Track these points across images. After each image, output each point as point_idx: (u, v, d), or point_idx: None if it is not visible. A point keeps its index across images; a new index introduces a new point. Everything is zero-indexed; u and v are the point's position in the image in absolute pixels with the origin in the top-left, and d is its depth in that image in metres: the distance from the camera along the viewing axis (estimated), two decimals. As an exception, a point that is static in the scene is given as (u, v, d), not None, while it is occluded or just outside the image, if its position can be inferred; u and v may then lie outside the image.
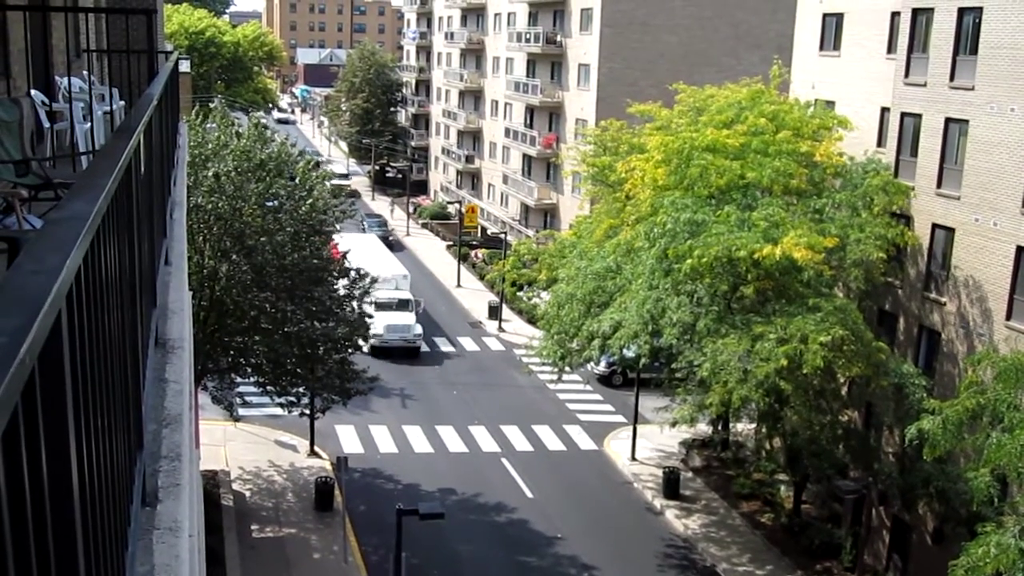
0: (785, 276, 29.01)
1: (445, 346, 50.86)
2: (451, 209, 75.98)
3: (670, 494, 35.88)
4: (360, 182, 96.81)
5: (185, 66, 56.49)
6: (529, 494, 35.46)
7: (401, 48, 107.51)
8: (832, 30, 37.25)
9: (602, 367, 44.76)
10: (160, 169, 6.93)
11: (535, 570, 30.71)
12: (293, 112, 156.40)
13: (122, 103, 10.10)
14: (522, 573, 30.50)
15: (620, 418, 42.45)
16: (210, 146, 31.48)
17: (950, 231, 30.00)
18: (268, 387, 32.82)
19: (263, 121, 34.62)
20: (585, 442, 40.38)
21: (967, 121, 29.21)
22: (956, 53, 29.67)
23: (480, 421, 41.54)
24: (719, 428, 39.34)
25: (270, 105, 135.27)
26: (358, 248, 49.47)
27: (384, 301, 48.51)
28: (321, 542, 31.08)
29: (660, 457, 39.19)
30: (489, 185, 75.98)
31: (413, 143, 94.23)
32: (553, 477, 36.84)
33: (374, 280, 36.11)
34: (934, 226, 30.63)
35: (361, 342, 33.90)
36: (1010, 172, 27.57)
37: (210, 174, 30.37)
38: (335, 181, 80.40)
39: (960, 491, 25.55)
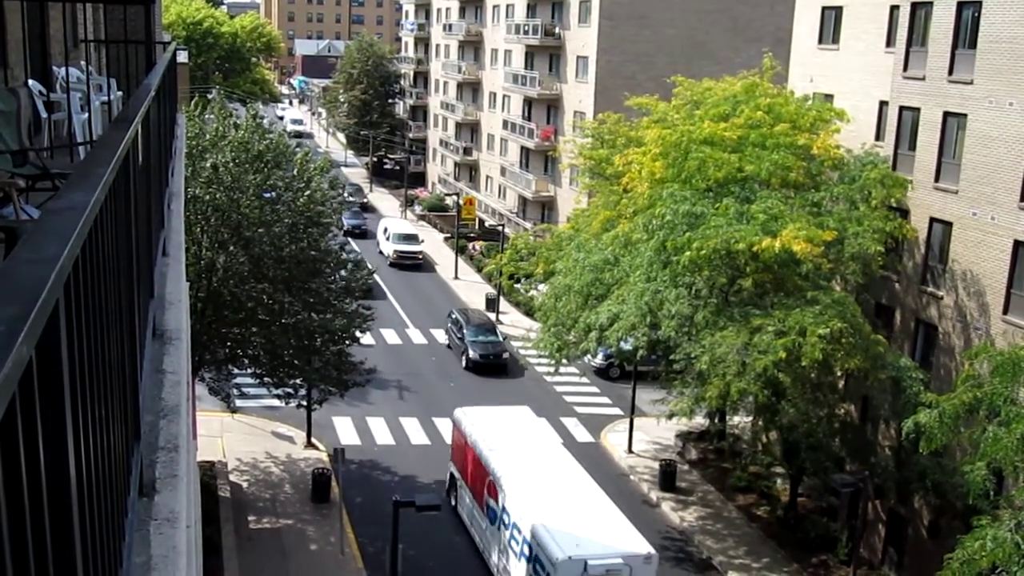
0: (783, 269, 29.03)
1: (442, 338, 50.84)
2: (449, 201, 75.94)
3: (666, 486, 35.93)
4: (358, 173, 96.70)
5: (183, 57, 56.38)
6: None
7: (399, 40, 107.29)
8: (831, 23, 37.22)
9: (599, 359, 44.78)
10: (158, 160, 6.92)
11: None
12: (291, 103, 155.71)
13: (120, 93, 10.08)
14: (519, 565, 30.47)
15: (617, 410, 42.48)
16: (208, 137, 31.43)
17: (948, 225, 30.01)
18: (265, 378, 32.81)
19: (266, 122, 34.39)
20: (582, 434, 40.39)
21: (965, 115, 29.20)
22: (955, 47, 29.65)
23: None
24: (716, 421, 39.37)
25: (280, 110, 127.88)
26: (521, 468, 28.02)
27: None
28: (318, 533, 31.11)
29: (656, 450, 39.25)
30: (487, 177, 75.93)
31: (411, 135, 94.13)
32: (550, 469, 36.82)
33: (371, 272, 35.88)
34: (932, 220, 30.65)
35: (358, 333, 33.87)
36: (1008, 166, 27.57)
37: (208, 165, 30.32)
38: (408, 247, 64.75)
39: (956, 485, 25.60)
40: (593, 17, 57.49)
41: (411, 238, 65.73)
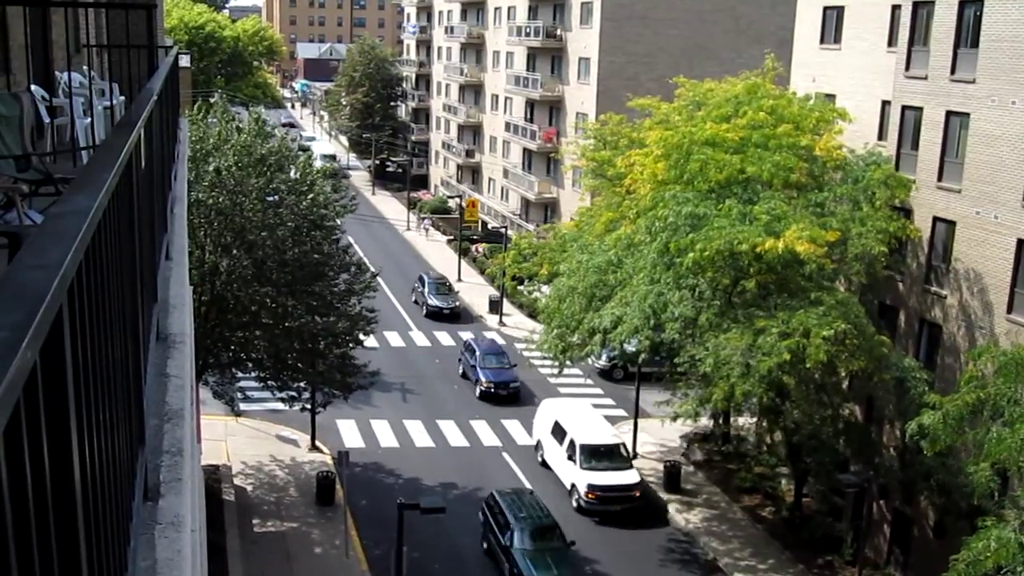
0: (787, 270, 29.01)
1: (446, 340, 50.86)
2: (451, 204, 75.92)
3: (671, 488, 35.89)
4: (361, 177, 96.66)
5: (185, 61, 56.37)
6: (530, 488, 35.46)
7: (401, 42, 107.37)
8: (833, 23, 37.20)
9: (603, 361, 44.74)
10: (161, 164, 6.92)
11: (536, 564, 30.63)
12: (295, 106, 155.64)
13: (122, 98, 10.09)
14: (523, 567, 30.43)
15: (621, 412, 42.45)
16: (211, 141, 31.48)
17: (951, 224, 29.98)
18: (269, 382, 32.84)
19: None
20: (586, 436, 40.28)
21: (968, 114, 29.17)
22: (957, 46, 29.63)
23: (481, 415, 41.53)
24: (720, 422, 39.35)
25: (304, 139, 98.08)
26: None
27: None
28: (322, 536, 31.11)
29: (661, 451, 39.21)
30: (489, 179, 75.94)
31: (413, 137, 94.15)
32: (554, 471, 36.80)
33: (375, 274, 35.91)
34: (935, 219, 30.61)
35: (362, 336, 33.87)
36: (1011, 165, 27.54)
37: (211, 169, 30.36)
38: (617, 476, 34.08)
39: (961, 485, 25.56)
40: (595, 18, 57.49)
41: (616, 456, 35.06)
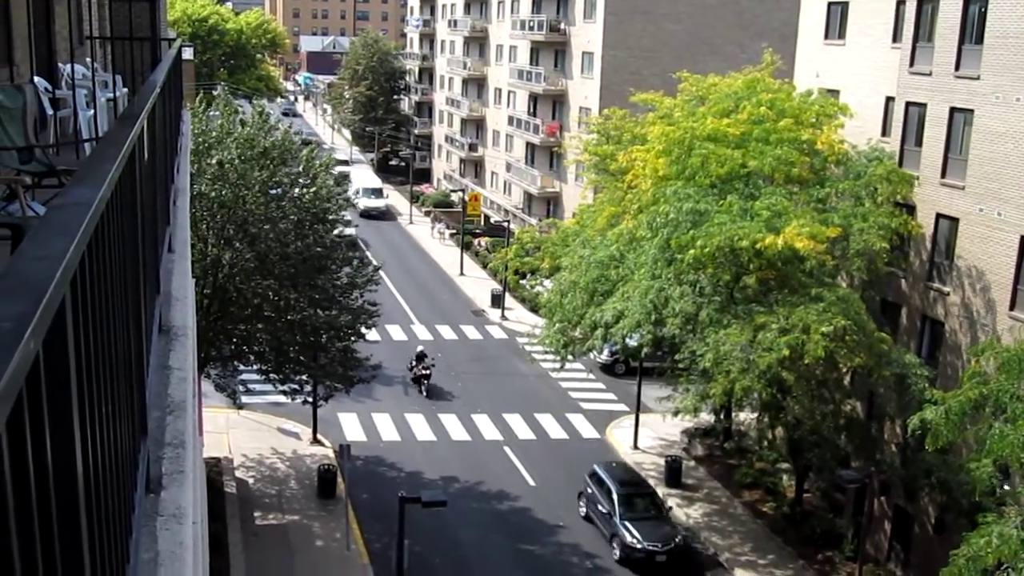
0: (787, 266, 28.99)
1: (448, 334, 50.87)
2: (454, 197, 75.82)
3: (672, 483, 35.91)
4: (364, 170, 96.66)
5: (188, 53, 56.25)
6: (531, 482, 35.52)
7: (404, 36, 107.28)
8: (837, 19, 37.13)
9: (605, 356, 44.75)
10: (163, 156, 6.92)
11: (537, 558, 30.77)
12: (297, 99, 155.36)
13: (125, 90, 10.08)
14: (524, 561, 30.56)
15: (623, 407, 42.46)
16: (214, 134, 31.45)
17: (954, 221, 29.94)
18: (271, 375, 32.86)
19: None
20: (587, 430, 40.40)
21: (972, 111, 29.12)
22: (962, 42, 29.56)
23: (482, 409, 41.56)
24: (721, 417, 39.34)
25: (332, 155, 77.71)
26: None
27: None
28: (324, 529, 31.15)
29: (662, 446, 39.23)
30: (492, 173, 75.89)
31: (416, 131, 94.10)
32: (555, 465, 36.87)
33: (377, 268, 35.90)
34: (938, 216, 30.57)
35: (364, 330, 33.88)
36: (1015, 162, 27.49)
37: (214, 162, 30.35)
38: None
39: (962, 481, 25.55)
40: (598, 12, 57.43)
41: None
